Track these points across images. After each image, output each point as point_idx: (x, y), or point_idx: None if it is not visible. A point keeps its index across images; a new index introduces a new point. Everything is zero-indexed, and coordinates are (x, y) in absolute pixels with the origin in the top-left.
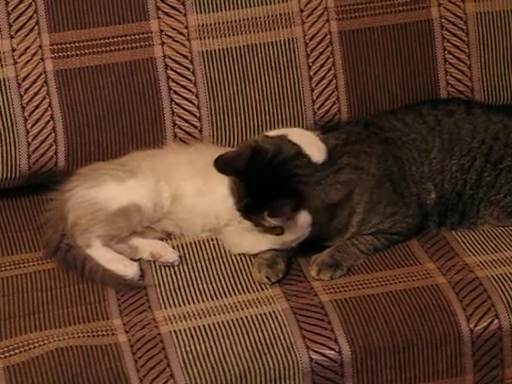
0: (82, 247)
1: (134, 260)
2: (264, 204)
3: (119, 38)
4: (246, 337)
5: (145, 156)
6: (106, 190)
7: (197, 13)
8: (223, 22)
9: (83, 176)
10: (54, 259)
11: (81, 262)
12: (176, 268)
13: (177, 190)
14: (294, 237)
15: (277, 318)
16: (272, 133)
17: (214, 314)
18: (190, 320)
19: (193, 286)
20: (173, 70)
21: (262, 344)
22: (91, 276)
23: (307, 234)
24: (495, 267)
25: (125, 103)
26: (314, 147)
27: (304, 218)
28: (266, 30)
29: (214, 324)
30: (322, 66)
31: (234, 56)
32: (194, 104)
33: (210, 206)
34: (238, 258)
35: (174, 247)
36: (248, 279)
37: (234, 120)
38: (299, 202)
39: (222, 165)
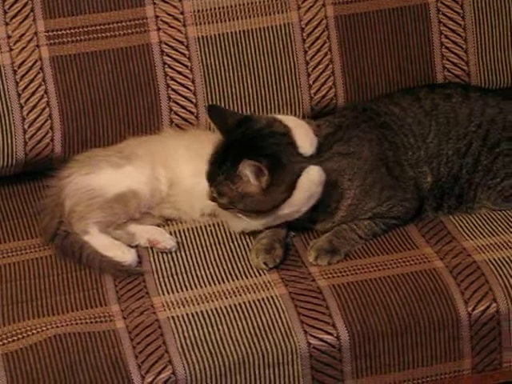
0: (80, 234)
1: (132, 246)
2: (239, 159)
3: (115, 24)
4: (243, 322)
5: (141, 142)
6: (103, 177)
7: None
8: (219, 8)
9: (79, 163)
10: (52, 246)
11: (78, 248)
12: (173, 254)
13: (174, 173)
14: (291, 209)
15: (275, 303)
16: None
17: (212, 300)
18: (188, 306)
19: (190, 271)
20: (169, 56)
21: (259, 329)
22: (89, 263)
23: (307, 208)
24: (493, 251)
25: (121, 89)
26: (306, 139)
27: (306, 186)
28: (261, 15)
29: (211, 310)
30: (318, 51)
31: (230, 41)
32: (191, 90)
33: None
34: (236, 243)
35: (171, 233)
36: (245, 265)
37: (231, 105)
38: (275, 166)
39: (214, 111)
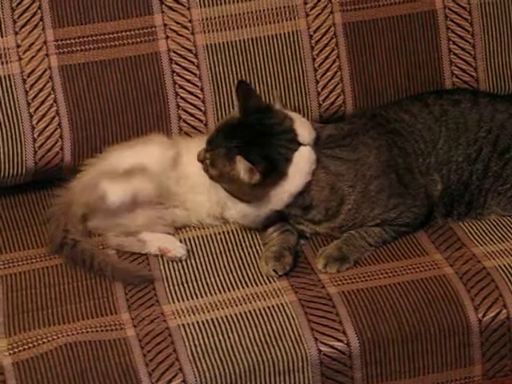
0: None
1: (142, 254)
2: (241, 149)
3: (123, 33)
4: (254, 330)
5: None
6: (116, 156)
7: (200, 6)
8: (227, 16)
9: (89, 165)
10: (60, 256)
11: (89, 256)
12: (183, 262)
13: (183, 171)
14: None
15: (285, 310)
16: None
17: (222, 308)
18: (199, 314)
19: (200, 279)
20: (177, 64)
21: (270, 337)
22: (100, 270)
23: (295, 189)
24: (502, 257)
25: (130, 98)
26: (305, 128)
27: (296, 161)
28: (270, 22)
29: (222, 317)
30: (327, 58)
31: (239, 49)
32: (199, 98)
33: None
34: (245, 251)
35: (181, 241)
36: (255, 272)
37: None
38: (270, 171)
39: (242, 87)
